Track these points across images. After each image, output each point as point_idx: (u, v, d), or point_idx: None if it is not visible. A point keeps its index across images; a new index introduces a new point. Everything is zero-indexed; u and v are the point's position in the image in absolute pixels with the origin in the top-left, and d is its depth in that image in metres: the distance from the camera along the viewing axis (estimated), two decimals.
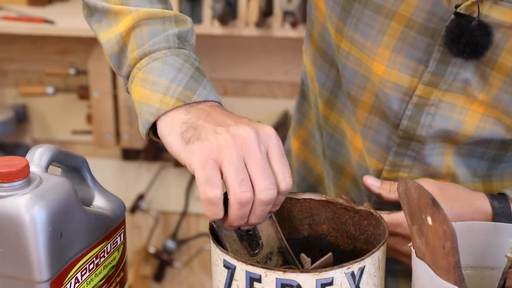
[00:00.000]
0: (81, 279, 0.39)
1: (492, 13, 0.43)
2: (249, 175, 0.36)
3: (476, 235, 0.38)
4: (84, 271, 0.39)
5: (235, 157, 0.35)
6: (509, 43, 0.43)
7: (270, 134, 0.37)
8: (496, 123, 0.46)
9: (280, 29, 1.11)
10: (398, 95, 0.47)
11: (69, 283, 0.37)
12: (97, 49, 1.17)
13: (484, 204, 0.44)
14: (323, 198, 0.43)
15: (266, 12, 1.12)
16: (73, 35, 1.14)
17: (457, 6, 0.43)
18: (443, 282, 0.33)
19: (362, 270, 0.36)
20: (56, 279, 0.36)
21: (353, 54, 0.48)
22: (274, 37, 1.12)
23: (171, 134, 0.38)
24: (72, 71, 1.21)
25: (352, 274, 0.35)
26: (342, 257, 0.39)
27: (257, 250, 0.40)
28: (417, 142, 0.47)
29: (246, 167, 0.36)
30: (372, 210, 0.41)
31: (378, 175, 0.50)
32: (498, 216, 0.44)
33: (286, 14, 1.08)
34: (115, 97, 1.20)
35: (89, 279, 0.40)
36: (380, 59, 0.47)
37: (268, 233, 0.40)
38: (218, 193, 0.35)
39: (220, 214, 0.36)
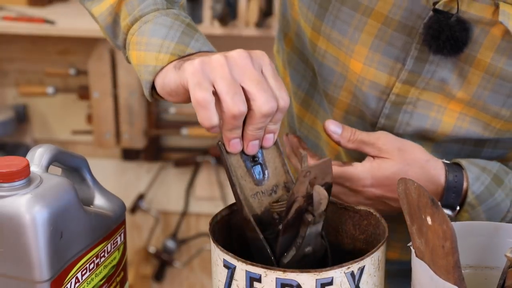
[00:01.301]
0: (81, 279, 0.39)
1: (471, 9, 0.43)
2: (246, 92, 0.35)
3: (475, 234, 0.38)
4: (85, 271, 0.39)
5: (227, 73, 0.35)
6: (487, 39, 0.43)
7: (261, 55, 0.37)
8: (474, 121, 0.45)
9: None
10: (376, 94, 0.47)
11: (69, 283, 0.37)
12: (97, 49, 1.17)
13: (439, 174, 0.44)
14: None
15: (266, 12, 1.12)
16: (73, 35, 1.14)
17: (435, 3, 0.43)
18: (442, 282, 0.33)
19: (362, 270, 0.36)
20: (57, 279, 0.36)
21: (330, 52, 0.48)
22: (274, 37, 1.12)
23: (166, 77, 0.38)
24: (72, 71, 1.21)
25: (352, 274, 0.36)
26: (341, 257, 0.39)
27: (263, 180, 0.39)
28: None
29: (241, 85, 0.35)
30: (372, 210, 0.41)
31: None
32: (448, 190, 0.44)
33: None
34: (115, 97, 1.20)
35: (90, 279, 0.40)
36: (358, 56, 0.46)
37: (275, 165, 0.39)
38: (207, 95, 0.34)
39: (214, 119, 0.35)
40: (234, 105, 0.35)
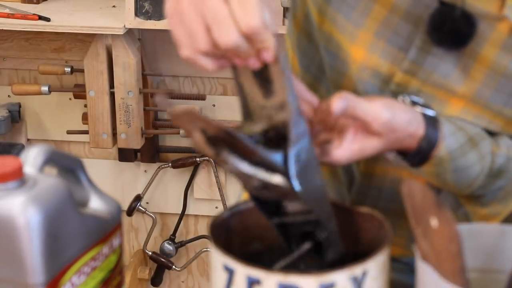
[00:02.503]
0: (77, 283, 0.38)
1: (477, 3, 0.42)
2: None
3: (482, 237, 0.38)
4: (80, 274, 0.38)
5: (193, 15, 0.35)
6: (493, 35, 0.42)
7: None
8: (477, 117, 0.45)
9: (280, 26, 1.10)
10: (377, 83, 0.46)
11: (64, 287, 0.37)
12: (93, 47, 1.16)
13: (412, 143, 0.42)
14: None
15: None
16: (69, 32, 1.13)
17: None
18: (448, 285, 0.32)
19: (365, 273, 0.35)
20: (52, 282, 0.36)
21: (334, 37, 0.47)
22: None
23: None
24: (67, 69, 1.20)
25: (355, 277, 0.35)
26: (344, 260, 0.38)
27: (270, 95, 0.38)
28: None
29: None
30: (374, 213, 0.40)
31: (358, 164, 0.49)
32: (416, 154, 0.42)
33: (287, 10, 1.08)
34: (112, 96, 1.19)
35: (85, 282, 0.39)
36: (361, 42, 0.46)
37: (279, 83, 0.38)
38: (186, 52, 0.36)
39: (208, 65, 0.36)
40: (193, 47, 0.35)
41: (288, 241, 0.39)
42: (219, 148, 0.37)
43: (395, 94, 0.46)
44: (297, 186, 0.37)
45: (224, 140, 0.36)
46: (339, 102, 0.41)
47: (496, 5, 0.42)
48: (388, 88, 0.46)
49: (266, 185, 0.37)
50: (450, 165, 0.44)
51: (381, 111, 0.42)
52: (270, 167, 0.37)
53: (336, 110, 0.41)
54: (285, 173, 0.37)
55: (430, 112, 0.44)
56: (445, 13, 0.42)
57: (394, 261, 0.40)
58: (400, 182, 0.36)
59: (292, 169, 0.37)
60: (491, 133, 0.46)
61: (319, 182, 0.39)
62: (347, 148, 0.42)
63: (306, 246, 0.38)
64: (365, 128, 0.42)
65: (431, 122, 0.44)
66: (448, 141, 0.43)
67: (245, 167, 0.37)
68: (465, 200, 0.47)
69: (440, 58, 0.44)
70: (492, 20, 0.42)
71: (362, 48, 0.46)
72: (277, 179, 0.37)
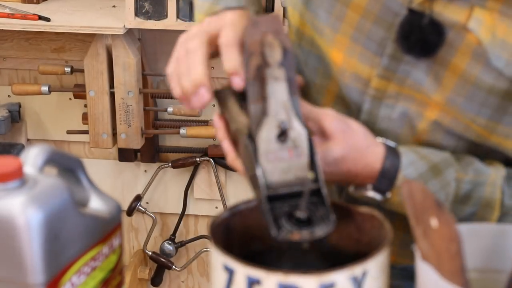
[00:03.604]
0: (77, 283, 0.38)
1: (446, 12, 0.42)
2: None
3: (482, 237, 0.38)
4: (80, 275, 0.38)
5: (174, 73, 0.46)
6: (463, 44, 0.42)
7: (191, 35, 0.45)
8: (454, 122, 0.45)
9: None
10: (357, 86, 0.47)
11: (64, 287, 0.37)
12: (93, 47, 1.16)
13: (375, 160, 0.44)
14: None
15: (267, 8, 1.12)
16: (69, 32, 1.13)
17: (411, 2, 0.42)
18: (449, 285, 0.32)
19: (365, 273, 0.35)
20: (52, 282, 0.36)
21: (316, 41, 0.48)
22: None
23: None
24: (67, 69, 1.20)
25: (355, 277, 0.35)
26: (344, 260, 0.38)
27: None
28: (378, 135, 0.47)
29: None
30: (375, 213, 0.40)
31: None
32: (382, 176, 0.43)
33: (287, 10, 1.08)
34: (112, 96, 1.19)
35: (85, 282, 0.39)
36: (339, 46, 0.46)
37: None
38: (177, 92, 0.45)
39: (206, 97, 0.43)
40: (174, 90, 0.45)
41: (277, 223, 0.39)
42: (282, 61, 0.38)
43: (375, 98, 0.46)
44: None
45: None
46: None
47: (464, 15, 0.41)
48: (368, 91, 0.46)
49: (291, 127, 0.38)
50: None
51: (329, 110, 0.44)
52: (301, 117, 0.39)
53: None
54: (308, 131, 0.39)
55: (391, 143, 0.45)
56: (413, 21, 0.42)
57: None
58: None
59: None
60: (461, 156, 0.46)
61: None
62: None
63: (301, 214, 0.38)
64: (321, 131, 0.43)
65: (391, 148, 0.45)
66: (407, 171, 0.44)
67: (287, 97, 0.38)
68: None
69: (412, 65, 0.44)
70: (461, 29, 0.42)
71: (341, 52, 0.46)
72: (302, 129, 0.39)
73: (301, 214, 0.38)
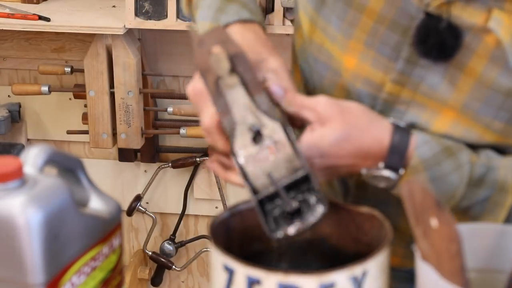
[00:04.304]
0: (77, 283, 0.38)
1: (463, 15, 0.42)
2: None
3: (482, 238, 0.38)
4: (80, 274, 0.38)
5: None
6: (480, 47, 0.42)
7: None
8: (467, 131, 0.44)
9: (281, 26, 1.10)
10: (369, 90, 0.46)
11: (64, 287, 0.37)
12: (93, 47, 1.16)
13: (383, 135, 0.42)
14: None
15: (267, 8, 1.12)
16: (69, 32, 1.13)
17: (428, 5, 0.42)
18: (449, 285, 0.32)
19: (365, 273, 0.35)
20: (52, 282, 0.36)
21: (325, 47, 0.48)
22: (275, 34, 1.12)
23: None
24: (67, 69, 1.20)
25: (355, 277, 0.35)
26: (344, 260, 0.38)
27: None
28: None
29: None
30: (375, 213, 0.40)
31: None
32: (393, 151, 0.42)
33: (287, 10, 1.08)
34: (112, 96, 1.18)
35: (85, 282, 0.39)
36: (352, 52, 0.46)
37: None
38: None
39: (216, 139, 0.42)
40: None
41: (268, 221, 0.39)
42: (233, 69, 0.39)
43: (387, 102, 0.46)
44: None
45: (239, 70, 0.39)
46: (274, 85, 0.43)
47: (482, 17, 0.41)
48: (380, 96, 0.46)
49: (262, 125, 0.38)
50: (425, 175, 0.43)
51: (322, 97, 0.43)
52: (268, 112, 0.39)
53: (273, 91, 0.43)
54: (280, 120, 0.39)
55: (400, 123, 0.44)
56: (431, 25, 0.42)
57: (392, 270, 0.40)
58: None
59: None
60: (472, 147, 0.45)
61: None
62: (306, 137, 0.42)
63: (294, 204, 0.38)
64: (318, 117, 0.42)
65: (399, 127, 0.44)
66: (421, 150, 0.43)
67: (248, 99, 0.38)
68: (455, 215, 0.46)
69: (427, 69, 0.44)
70: (479, 32, 0.42)
71: (354, 57, 0.46)
72: (273, 123, 0.38)
73: (289, 207, 0.37)
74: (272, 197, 0.39)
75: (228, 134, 0.39)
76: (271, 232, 0.38)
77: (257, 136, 0.38)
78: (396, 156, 0.43)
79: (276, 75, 0.44)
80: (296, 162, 0.39)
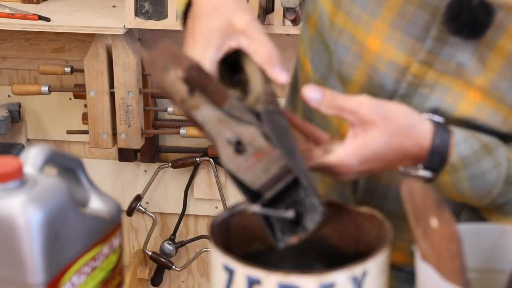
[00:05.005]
0: (77, 283, 0.38)
1: None
2: None
3: (482, 238, 0.38)
4: (80, 274, 0.38)
5: None
6: (511, 25, 0.41)
7: None
8: (493, 114, 0.44)
9: (281, 26, 1.10)
10: (393, 74, 0.46)
11: (64, 287, 0.37)
12: (93, 47, 1.16)
13: (424, 138, 0.42)
14: (325, 200, 0.42)
15: (267, 9, 1.11)
16: (69, 32, 1.13)
17: None
18: (449, 285, 0.32)
19: (365, 273, 0.35)
20: (52, 282, 0.36)
21: (347, 30, 0.47)
22: (275, 34, 1.11)
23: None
24: (67, 69, 1.20)
25: (355, 277, 0.35)
26: (344, 260, 0.38)
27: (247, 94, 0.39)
28: None
29: None
30: (375, 213, 0.40)
31: None
32: (433, 154, 0.42)
33: (287, 10, 1.08)
34: (112, 96, 1.18)
35: (85, 282, 0.39)
36: (377, 33, 0.45)
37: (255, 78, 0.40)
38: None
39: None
40: None
41: (271, 228, 0.38)
42: (192, 89, 0.36)
43: (411, 85, 0.45)
44: (268, 130, 0.37)
45: (198, 84, 0.36)
46: (310, 91, 0.42)
47: None
48: (404, 79, 0.45)
49: (239, 136, 0.37)
50: (464, 173, 0.43)
51: (364, 98, 0.42)
52: (242, 118, 0.37)
53: (308, 98, 0.41)
54: (256, 123, 0.37)
55: (438, 119, 0.44)
56: (463, 2, 0.42)
57: (396, 269, 0.40)
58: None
59: (265, 117, 0.37)
60: (506, 141, 0.45)
61: (292, 143, 0.39)
62: (350, 144, 0.41)
63: (289, 213, 0.37)
64: (360, 121, 0.42)
65: (440, 124, 0.43)
66: (460, 148, 0.43)
67: (218, 112, 0.36)
68: (488, 212, 0.46)
69: (456, 48, 0.44)
70: (510, 11, 0.41)
71: (378, 39, 0.45)
72: (250, 129, 0.37)
73: (288, 214, 0.37)
74: (272, 200, 0.38)
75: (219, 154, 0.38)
76: (277, 242, 0.38)
77: (238, 147, 0.37)
78: (436, 158, 0.42)
79: (247, 38, 0.43)
80: (286, 162, 0.38)
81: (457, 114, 0.45)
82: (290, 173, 0.38)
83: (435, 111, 0.45)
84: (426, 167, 0.43)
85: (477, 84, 0.44)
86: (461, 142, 0.43)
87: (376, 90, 0.47)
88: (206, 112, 0.37)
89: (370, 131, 0.42)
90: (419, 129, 0.43)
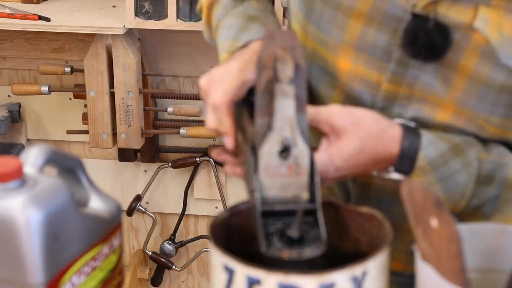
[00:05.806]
0: (77, 283, 0.38)
1: (450, 13, 0.42)
2: None
3: (481, 237, 0.38)
4: (80, 274, 0.38)
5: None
6: (471, 44, 0.42)
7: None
8: (468, 123, 0.45)
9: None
10: (368, 89, 0.47)
11: (64, 287, 0.37)
12: (93, 47, 1.16)
13: (394, 143, 0.43)
14: (325, 200, 0.42)
15: None
16: (69, 32, 1.13)
17: (414, 6, 0.42)
18: (449, 285, 0.32)
19: (365, 273, 0.35)
20: (52, 282, 0.36)
21: (319, 52, 0.48)
22: None
23: None
24: (67, 69, 1.20)
25: (355, 277, 0.35)
26: (344, 260, 0.38)
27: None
28: None
29: None
30: (375, 213, 0.40)
31: None
32: (402, 157, 0.43)
33: (287, 10, 1.08)
34: (112, 96, 1.18)
35: (85, 282, 0.39)
36: (345, 55, 0.46)
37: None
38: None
39: (222, 117, 0.43)
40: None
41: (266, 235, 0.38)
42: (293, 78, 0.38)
43: (386, 100, 0.46)
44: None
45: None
46: None
47: (469, 14, 0.41)
48: (379, 94, 0.46)
49: (295, 144, 0.38)
50: (434, 175, 0.43)
51: (335, 107, 0.44)
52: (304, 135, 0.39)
53: None
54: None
55: (409, 123, 0.45)
56: (419, 26, 0.42)
57: (396, 275, 0.40)
58: (399, 193, 0.36)
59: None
60: (485, 141, 0.45)
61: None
62: (324, 152, 0.43)
63: (294, 233, 0.37)
64: (333, 129, 0.43)
65: (409, 128, 0.44)
66: (427, 151, 0.43)
67: (293, 112, 0.38)
68: (468, 216, 0.46)
69: (420, 69, 0.44)
70: (467, 30, 0.42)
71: (347, 60, 0.46)
72: (305, 147, 0.38)
73: (293, 233, 0.37)
74: (275, 214, 0.38)
75: (256, 133, 0.38)
76: (265, 249, 0.37)
77: (284, 151, 0.38)
78: (405, 162, 0.43)
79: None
80: (305, 194, 0.38)
81: (436, 121, 0.45)
82: (306, 203, 0.38)
83: (415, 119, 0.46)
84: (397, 170, 0.44)
85: (445, 101, 0.45)
86: (428, 145, 0.43)
87: (355, 104, 0.48)
88: (287, 104, 0.37)
89: (343, 138, 0.43)
90: (388, 133, 0.43)
